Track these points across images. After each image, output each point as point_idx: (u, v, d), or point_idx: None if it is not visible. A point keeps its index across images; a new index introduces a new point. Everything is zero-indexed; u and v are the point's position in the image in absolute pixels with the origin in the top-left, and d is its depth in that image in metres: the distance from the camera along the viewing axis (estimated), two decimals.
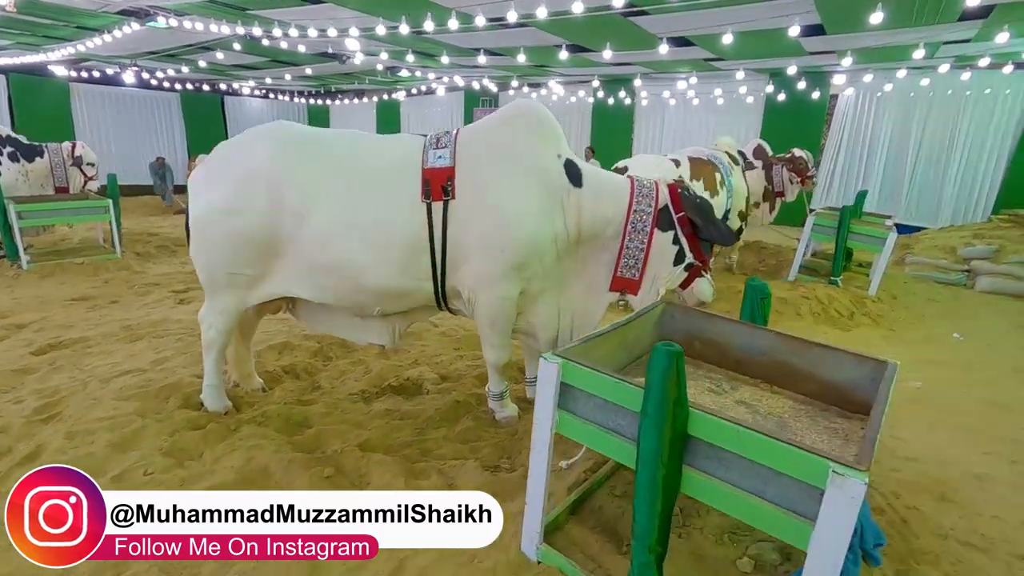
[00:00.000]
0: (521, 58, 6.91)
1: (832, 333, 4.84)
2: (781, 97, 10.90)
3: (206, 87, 16.06)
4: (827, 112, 11.07)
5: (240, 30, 8.18)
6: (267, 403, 2.85)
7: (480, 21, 5.58)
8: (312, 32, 7.51)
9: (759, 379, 1.92)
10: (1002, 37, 5.48)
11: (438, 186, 2.38)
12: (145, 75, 14.61)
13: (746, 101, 11.22)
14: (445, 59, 7.26)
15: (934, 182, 9.94)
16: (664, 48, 5.85)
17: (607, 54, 6.21)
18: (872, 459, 1.16)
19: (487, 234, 2.39)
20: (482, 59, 6.92)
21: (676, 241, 2.53)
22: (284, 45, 8.96)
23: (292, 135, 2.54)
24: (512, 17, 5.72)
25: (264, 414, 2.68)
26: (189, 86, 16.21)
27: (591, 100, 13.32)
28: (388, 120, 17.49)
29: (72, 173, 8.01)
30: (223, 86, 16.49)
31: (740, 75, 10.29)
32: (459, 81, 13.72)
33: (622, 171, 5.14)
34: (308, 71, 11.71)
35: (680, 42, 7.30)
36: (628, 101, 12.73)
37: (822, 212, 6.16)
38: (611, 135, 13.24)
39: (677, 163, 5.47)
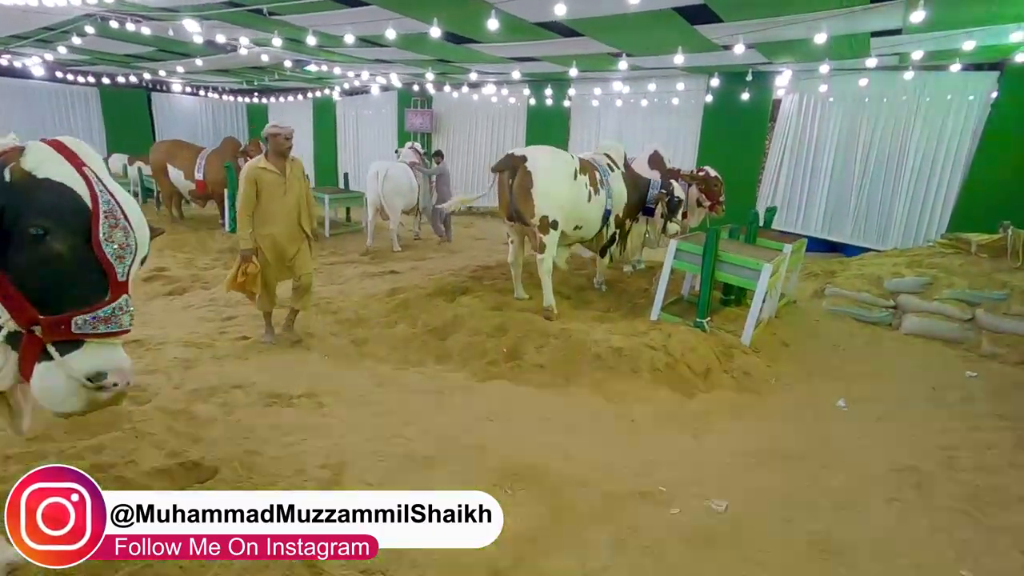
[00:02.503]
0: (350, 39, 5.76)
1: (670, 399, 3.62)
2: (721, 100, 9.74)
3: (127, 79, 14.87)
4: (770, 118, 9.90)
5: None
6: None
7: None
8: None
9: None
10: (917, 16, 4.30)
11: None
12: (52, 59, 13.38)
13: (671, 103, 10.07)
14: (277, 41, 6.12)
15: (883, 198, 8.76)
16: (494, 24, 4.69)
17: (435, 31, 5.05)
18: None
19: None
20: (312, 39, 5.79)
21: None
22: (131, 27, 7.81)
23: None
24: None
25: None
26: (108, 80, 15.05)
27: (525, 102, 12.22)
28: (324, 119, 16.39)
29: None
30: (147, 76, 15.21)
31: (673, 74, 9.20)
32: (394, 81, 12.57)
33: (519, 159, 4.86)
34: (199, 63, 10.55)
35: (563, 30, 6.15)
36: (562, 103, 11.63)
37: (687, 236, 4.93)
38: (546, 138, 12.05)
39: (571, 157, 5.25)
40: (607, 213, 5.41)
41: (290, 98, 16.29)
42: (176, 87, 16.71)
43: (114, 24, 7.92)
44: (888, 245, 8.69)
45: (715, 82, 9.33)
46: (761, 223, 6.03)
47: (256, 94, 17.11)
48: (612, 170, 5.74)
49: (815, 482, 2.79)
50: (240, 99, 17.58)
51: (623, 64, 6.56)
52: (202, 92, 17.08)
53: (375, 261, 7.73)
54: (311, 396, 3.34)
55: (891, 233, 8.72)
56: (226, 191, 8.36)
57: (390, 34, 5.23)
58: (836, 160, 9.18)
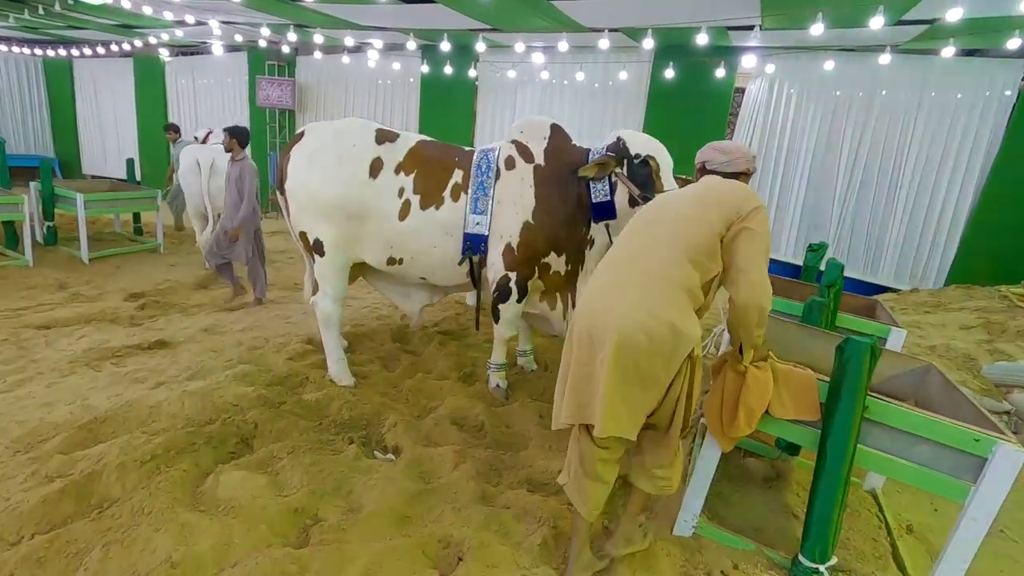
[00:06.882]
0: None
1: None
2: (670, 81, 7.46)
3: None
4: (730, 111, 7.79)
5: None
6: None
7: None
8: None
9: None
10: None
11: None
12: None
13: (612, 80, 7.66)
14: None
15: (873, 214, 6.92)
16: None
17: None
18: None
19: None
20: None
21: None
22: None
23: None
24: None
25: None
26: None
27: (419, 73, 9.27)
28: (150, 83, 12.25)
29: None
30: None
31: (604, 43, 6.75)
32: (219, 29, 8.97)
33: (296, 136, 3.18)
34: None
35: None
36: (469, 75, 8.84)
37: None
38: (445, 120, 9.26)
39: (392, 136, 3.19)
40: (475, 241, 3.05)
41: (99, 50, 11.74)
42: None
43: None
44: (878, 278, 6.90)
45: (663, 54, 7.03)
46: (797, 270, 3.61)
47: (55, 46, 12.50)
48: (512, 167, 3.07)
49: None
50: (29, 51, 12.80)
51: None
52: None
53: (144, 313, 4.47)
54: None
55: (884, 259, 6.91)
56: None
57: None
58: (813, 167, 7.24)
